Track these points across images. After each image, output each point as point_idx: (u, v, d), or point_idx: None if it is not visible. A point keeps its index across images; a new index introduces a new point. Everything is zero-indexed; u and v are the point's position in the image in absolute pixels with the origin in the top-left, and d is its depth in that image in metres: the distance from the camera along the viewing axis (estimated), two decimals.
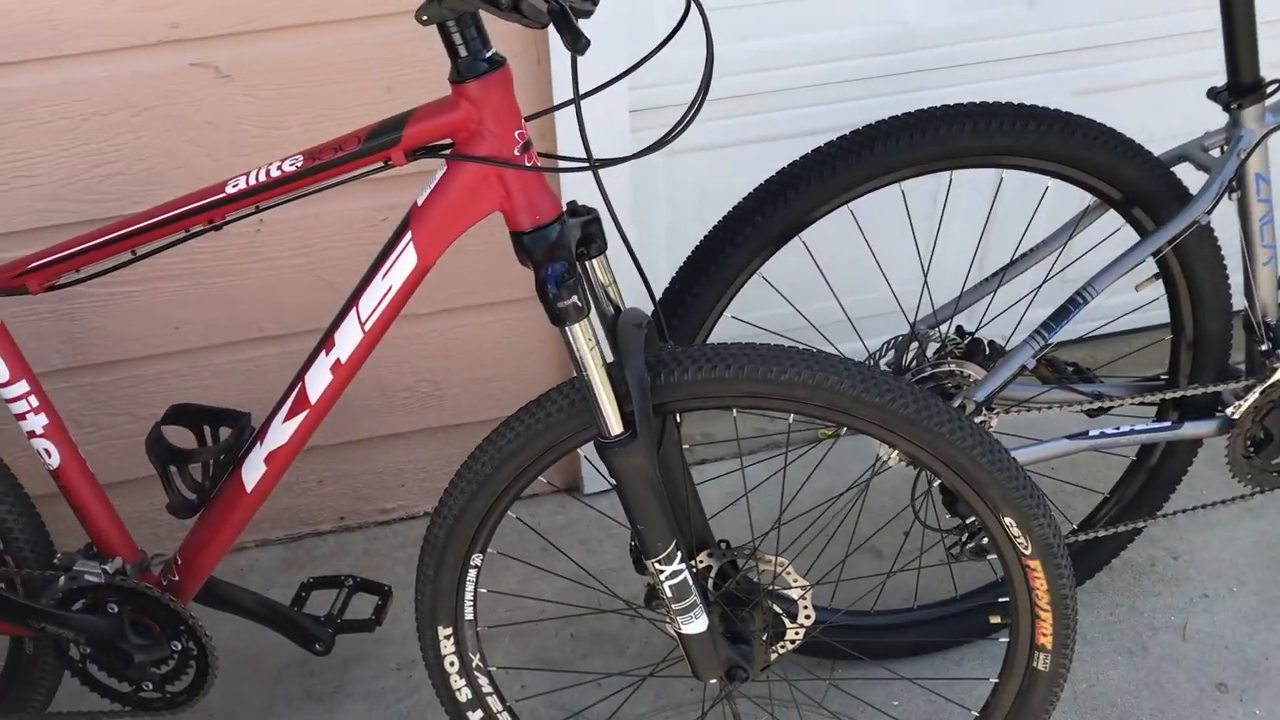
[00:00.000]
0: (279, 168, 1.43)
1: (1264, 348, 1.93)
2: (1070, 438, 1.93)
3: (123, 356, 2.10)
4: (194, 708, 1.79)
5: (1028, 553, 1.56)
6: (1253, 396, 1.92)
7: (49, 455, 1.65)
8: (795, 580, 1.66)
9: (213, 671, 1.75)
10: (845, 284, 2.06)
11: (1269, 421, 1.96)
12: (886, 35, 2.26)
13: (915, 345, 1.95)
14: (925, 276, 1.92)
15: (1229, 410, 1.94)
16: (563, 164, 1.45)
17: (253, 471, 1.61)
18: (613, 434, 1.45)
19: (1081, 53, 2.37)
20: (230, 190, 1.45)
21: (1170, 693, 2.08)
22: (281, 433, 1.57)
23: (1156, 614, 2.22)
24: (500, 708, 1.79)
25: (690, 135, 2.26)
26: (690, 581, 1.54)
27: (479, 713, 1.78)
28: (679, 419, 1.60)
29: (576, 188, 1.71)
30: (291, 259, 2.05)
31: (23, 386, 1.62)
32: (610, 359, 1.47)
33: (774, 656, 1.71)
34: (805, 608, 1.69)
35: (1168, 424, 1.98)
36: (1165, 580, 2.29)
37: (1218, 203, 1.79)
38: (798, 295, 2.05)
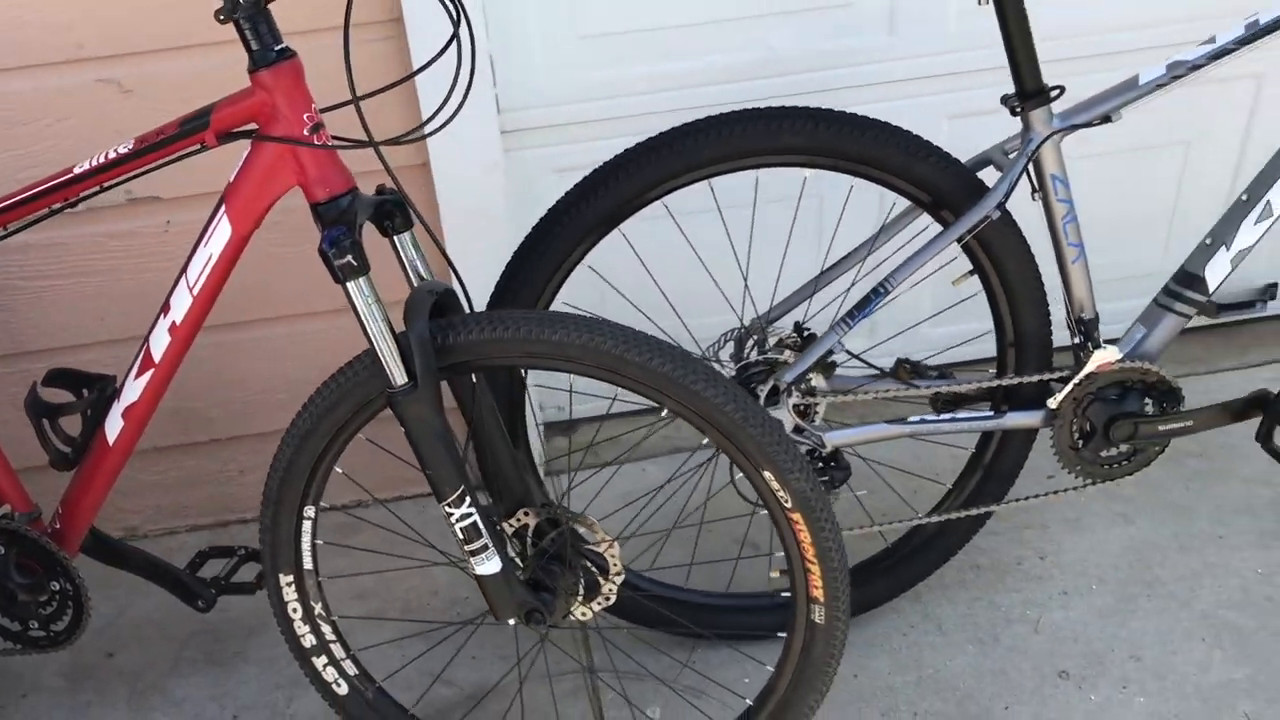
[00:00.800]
0: (115, 151, 1.65)
1: (1078, 341, 2.04)
2: (889, 422, 2.05)
3: (55, 345, 2.34)
4: (74, 645, 1.99)
5: (789, 505, 1.68)
6: (1068, 388, 2.03)
7: None
8: (601, 536, 1.81)
9: (87, 612, 1.95)
10: (717, 299, 2.21)
11: (1091, 413, 2.06)
12: (753, 61, 2.41)
13: (754, 339, 2.10)
14: (745, 278, 2.07)
15: (1049, 401, 2.05)
16: (347, 143, 1.63)
17: (113, 426, 1.82)
18: (397, 384, 1.63)
19: (950, 78, 2.50)
20: (77, 171, 1.68)
21: (1013, 679, 2.16)
22: (134, 390, 1.78)
23: (1014, 608, 2.30)
24: (344, 655, 1.94)
25: (576, 155, 2.50)
26: (480, 525, 1.70)
27: (323, 659, 1.93)
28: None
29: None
30: None
31: None
32: None
33: (588, 615, 1.86)
34: (614, 565, 1.84)
35: (990, 413, 2.09)
36: (1029, 578, 2.37)
37: (1008, 197, 1.91)
38: (660, 309, 2.21)
